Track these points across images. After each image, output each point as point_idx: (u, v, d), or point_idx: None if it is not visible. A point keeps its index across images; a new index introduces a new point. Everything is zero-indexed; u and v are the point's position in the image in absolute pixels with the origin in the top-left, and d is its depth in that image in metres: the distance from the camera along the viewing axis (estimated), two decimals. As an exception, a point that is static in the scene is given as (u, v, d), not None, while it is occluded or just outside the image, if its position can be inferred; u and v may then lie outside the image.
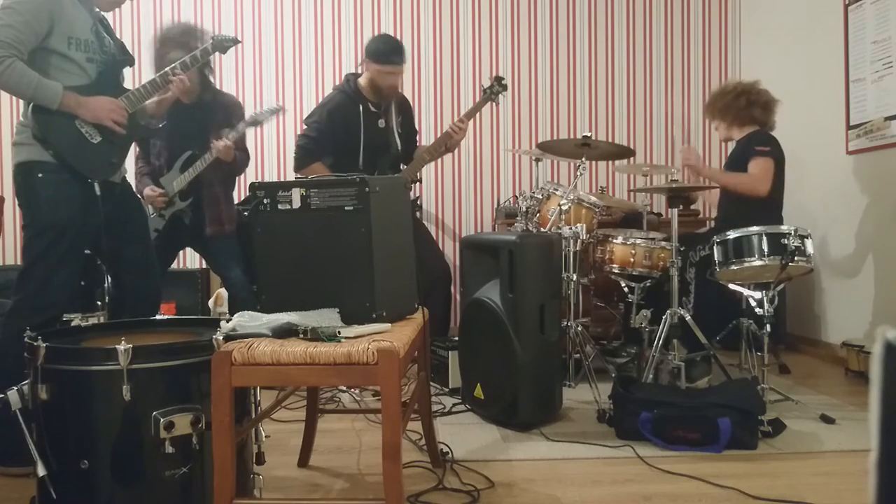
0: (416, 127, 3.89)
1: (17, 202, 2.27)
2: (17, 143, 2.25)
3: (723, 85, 3.75)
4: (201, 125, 3.08)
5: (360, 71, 3.58)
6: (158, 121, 2.85)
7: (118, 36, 2.50)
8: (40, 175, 2.20)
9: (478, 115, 3.85)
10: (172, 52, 2.85)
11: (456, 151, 3.99)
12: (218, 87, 3.51)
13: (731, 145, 3.61)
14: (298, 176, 3.48)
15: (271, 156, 4.58)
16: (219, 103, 3.17)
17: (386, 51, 3.42)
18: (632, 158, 4.25)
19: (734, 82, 3.62)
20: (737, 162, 3.38)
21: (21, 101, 2.25)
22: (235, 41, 2.66)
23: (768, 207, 3.24)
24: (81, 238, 2.29)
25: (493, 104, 3.75)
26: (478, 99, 3.67)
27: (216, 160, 3.03)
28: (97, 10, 2.38)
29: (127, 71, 2.47)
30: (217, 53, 2.60)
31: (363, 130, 3.48)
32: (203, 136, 3.06)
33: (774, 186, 3.27)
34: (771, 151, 3.27)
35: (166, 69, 2.44)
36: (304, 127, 3.56)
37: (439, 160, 4.39)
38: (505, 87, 3.68)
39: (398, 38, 3.66)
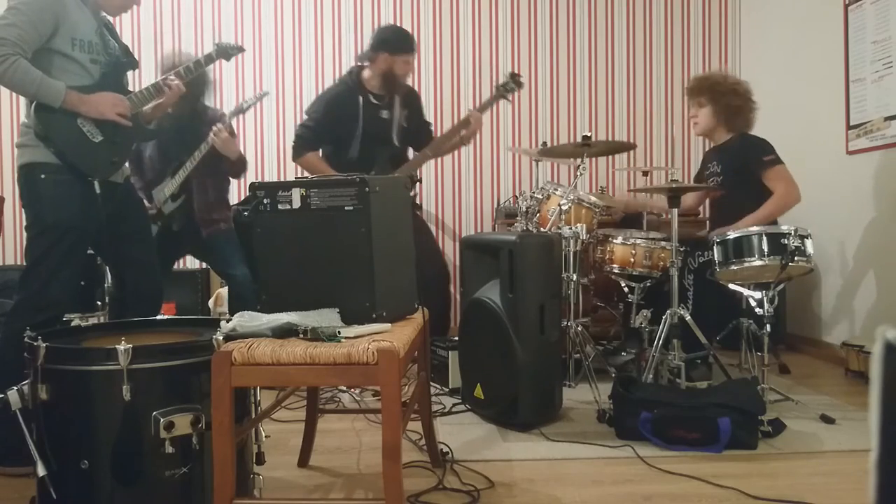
0: (426, 119, 3.85)
1: (20, 203, 2.29)
2: (21, 144, 2.26)
3: (723, 76, 3.41)
4: (192, 135, 3.08)
5: (364, 65, 3.54)
6: (153, 125, 2.86)
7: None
8: (43, 176, 2.22)
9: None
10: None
11: (456, 151, 3.97)
12: (216, 87, 3.52)
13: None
14: (298, 173, 3.48)
15: (271, 156, 4.58)
16: (207, 115, 3.19)
17: (400, 40, 3.45)
18: (632, 160, 4.25)
19: (738, 80, 3.39)
20: (740, 172, 3.21)
21: (23, 103, 2.26)
22: (240, 49, 2.67)
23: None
24: (83, 238, 2.30)
25: (505, 101, 3.71)
26: (482, 97, 3.64)
27: (206, 157, 3.04)
28: (102, 13, 2.39)
29: (130, 74, 2.48)
30: (221, 60, 2.62)
31: (361, 120, 3.48)
32: (194, 145, 3.07)
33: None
34: (777, 157, 3.16)
35: (169, 73, 2.45)
36: (304, 117, 3.60)
37: (439, 159, 4.39)
38: (520, 85, 3.62)
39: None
